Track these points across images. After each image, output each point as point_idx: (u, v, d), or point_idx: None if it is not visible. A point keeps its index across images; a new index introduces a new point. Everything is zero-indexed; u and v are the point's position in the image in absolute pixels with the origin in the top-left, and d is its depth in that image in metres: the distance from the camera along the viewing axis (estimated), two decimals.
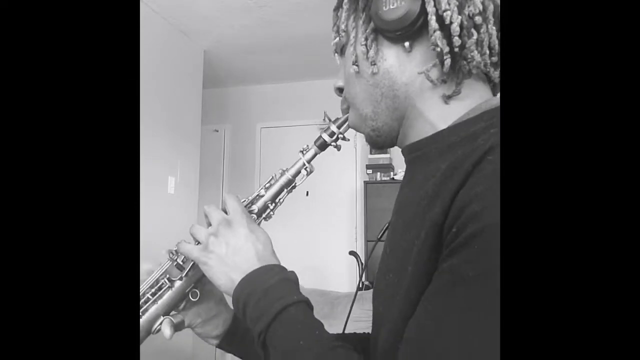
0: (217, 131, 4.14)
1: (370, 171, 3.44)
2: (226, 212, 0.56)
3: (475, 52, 0.45)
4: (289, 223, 3.60)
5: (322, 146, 0.60)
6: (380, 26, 0.47)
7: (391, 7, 0.45)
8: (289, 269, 0.53)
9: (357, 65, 0.50)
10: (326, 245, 3.74)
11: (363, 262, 3.17)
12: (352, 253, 3.12)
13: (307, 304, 0.49)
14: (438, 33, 0.44)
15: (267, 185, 0.61)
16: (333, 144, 0.60)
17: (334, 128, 0.59)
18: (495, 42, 0.46)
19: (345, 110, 0.57)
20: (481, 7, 0.45)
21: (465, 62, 0.46)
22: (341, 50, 0.54)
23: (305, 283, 2.15)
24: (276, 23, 2.92)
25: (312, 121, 3.80)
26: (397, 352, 0.40)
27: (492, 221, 0.34)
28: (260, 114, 4.08)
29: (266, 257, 0.53)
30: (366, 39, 0.49)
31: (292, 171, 0.60)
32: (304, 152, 0.60)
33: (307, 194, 3.68)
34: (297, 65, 3.59)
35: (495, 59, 0.47)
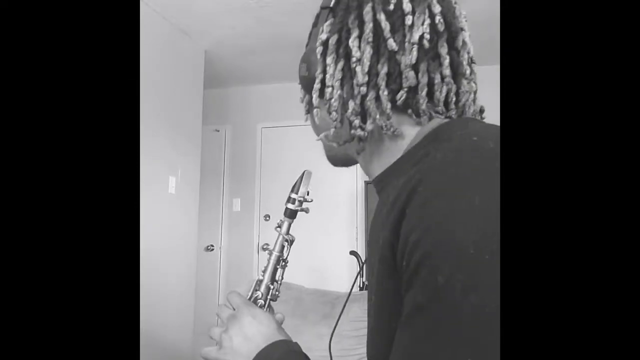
0: (218, 131, 4.14)
1: None
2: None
3: (357, 121, 0.48)
4: None
5: (292, 215, 0.66)
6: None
7: (300, 73, 0.55)
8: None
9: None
10: (326, 245, 3.74)
11: (363, 262, 3.16)
12: (352, 253, 3.13)
13: None
14: (316, 110, 0.51)
15: (263, 270, 0.66)
16: (299, 209, 0.66)
17: (293, 195, 0.66)
18: (387, 106, 0.47)
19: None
20: (367, 78, 0.46)
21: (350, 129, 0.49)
22: None
23: (306, 283, 2.15)
24: (277, 23, 2.92)
25: None
26: None
27: (430, 245, 0.36)
28: (261, 114, 4.08)
29: (271, 335, 0.56)
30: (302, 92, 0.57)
31: (277, 248, 0.66)
32: (280, 226, 0.66)
33: (308, 194, 3.67)
34: (298, 65, 3.59)
35: (390, 121, 0.48)
